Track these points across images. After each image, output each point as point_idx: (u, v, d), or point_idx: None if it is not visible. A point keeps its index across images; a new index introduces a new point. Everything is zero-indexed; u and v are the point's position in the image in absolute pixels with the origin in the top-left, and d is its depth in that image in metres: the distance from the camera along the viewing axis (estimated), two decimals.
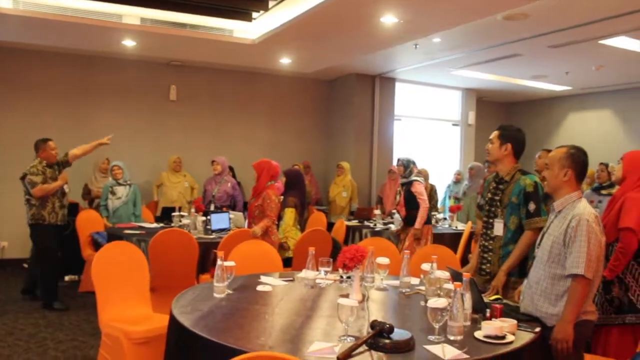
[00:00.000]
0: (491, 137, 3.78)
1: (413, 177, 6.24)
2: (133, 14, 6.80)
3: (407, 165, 6.28)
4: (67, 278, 7.42)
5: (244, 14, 6.73)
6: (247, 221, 5.64)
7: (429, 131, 11.19)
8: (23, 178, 6.06)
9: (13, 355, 4.63)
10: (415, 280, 3.63)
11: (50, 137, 6.23)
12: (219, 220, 6.27)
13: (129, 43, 7.64)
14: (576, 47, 7.38)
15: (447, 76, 9.96)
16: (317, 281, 3.53)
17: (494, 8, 5.73)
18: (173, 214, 6.69)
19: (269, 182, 5.51)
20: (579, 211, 2.78)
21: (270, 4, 6.40)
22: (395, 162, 9.99)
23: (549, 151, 5.44)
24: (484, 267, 3.74)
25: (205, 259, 5.60)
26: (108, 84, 9.06)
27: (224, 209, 7.19)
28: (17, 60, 8.46)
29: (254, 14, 6.80)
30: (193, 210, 6.57)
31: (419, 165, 6.98)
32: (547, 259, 2.87)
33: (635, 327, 3.53)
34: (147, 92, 9.38)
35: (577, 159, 2.92)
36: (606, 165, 6.89)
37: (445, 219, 8.16)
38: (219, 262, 3.16)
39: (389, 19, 6.07)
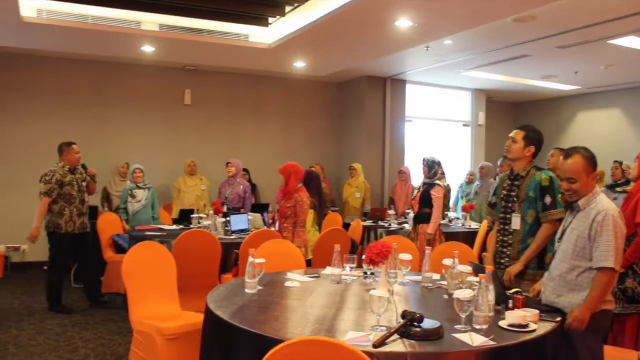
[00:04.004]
0: (513, 135, 3.87)
1: (437, 181, 6.26)
2: (152, 21, 6.96)
3: (431, 167, 6.24)
4: None
5: (260, 20, 6.88)
6: (277, 223, 5.77)
7: (440, 132, 11.31)
8: (40, 181, 6.11)
9: (45, 354, 4.79)
10: (436, 276, 3.76)
11: (74, 142, 6.34)
12: (239, 222, 6.39)
13: (148, 49, 7.80)
14: (585, 47, 7.48)
15: (458, 77, 10.08)
16: (343, 277, 3.67)
17: (505, 11, 5.85)
18: (192, 215, 6.83)
19: (298, 184, 5.62)
20: (604, 207, 2.91)
21: (287, 9, 6.53)
22: (404, 163, 10.21)
23: (562, 150, 5.58)
24: (503, 261, 3.87)
25: (227, 260, 5.73)
26: (124, 89, 9.23)
27: (242, 210, 7.34)
28: (33, 67, 8.65)
29: (270, 19, 6.95)
30: (212, 212, 6.71)
31: None
32: (572, 253, 2.98)
33: None
34: (163, 97, 9.54)
35: (594, 160, 3.04)
36: (620, 163, 7.04)
37: (458, 218, 8.27)
38: (250, 259, 3.30)
39: (403, 23, 6.20)
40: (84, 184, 6.36)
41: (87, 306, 6.42)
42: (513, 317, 2.63)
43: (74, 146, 6.25)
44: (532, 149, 3.82)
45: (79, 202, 6.20)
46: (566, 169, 3.02)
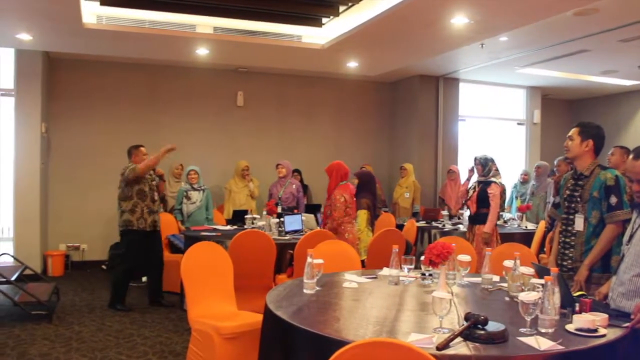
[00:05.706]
0: (570, 133, 3.77)
1: (492, 178, 6.16)
2: (206, 24, 7.06)
3: (484, 164, 6.17)
4: (144, 279, 7.66)
5: (314, 20, 6.88)
6: (322, 221, 5.79)
7: (494, 131, 11.10)
8: (123, 174, 6.23)
9: (106, 350, 4.91)
10: (495, 278, 3.68)
11: (142, 144, 6.50)
12: (292, 222, 6.40)
13: (202, 51, 7.91)
14: None
15: (512, 75, 9.87)
16: (401, 278, 3.63)
17: (567, 4, 5.67)
18: (246, 216, 6.88)
19: (339, 182, 5.61)
20: None
21: (341, 9, 6.51)
22: (457, 163, 10.05)
23: (623, 148, 5.38)
24: (565, 263, 3.76)
25: (281, 260, 5.75)
26: (177, 91, 9.39)
27: (296, 210, 7.36)
28: (91, 71, 8.90)
29: (324, 20, 6.94)
30: (265, 212, 6.75)
31: None
32: None
33: None
34: (215, 99, 9.68)
35: None
36: None
37: (513, 219, 8.09)
38: (308, 259, 3.29)
39: (459, 20, 6.09)
40: (154, 182, 6.51)
41: (146, 304, 6.54)
42: (581, 320, 2.53)
43: (142, 148, 6.41)
44: (590, 142, 3.69)
45: (150, 200, 6.33)
46: (638, 170, 2.88)
